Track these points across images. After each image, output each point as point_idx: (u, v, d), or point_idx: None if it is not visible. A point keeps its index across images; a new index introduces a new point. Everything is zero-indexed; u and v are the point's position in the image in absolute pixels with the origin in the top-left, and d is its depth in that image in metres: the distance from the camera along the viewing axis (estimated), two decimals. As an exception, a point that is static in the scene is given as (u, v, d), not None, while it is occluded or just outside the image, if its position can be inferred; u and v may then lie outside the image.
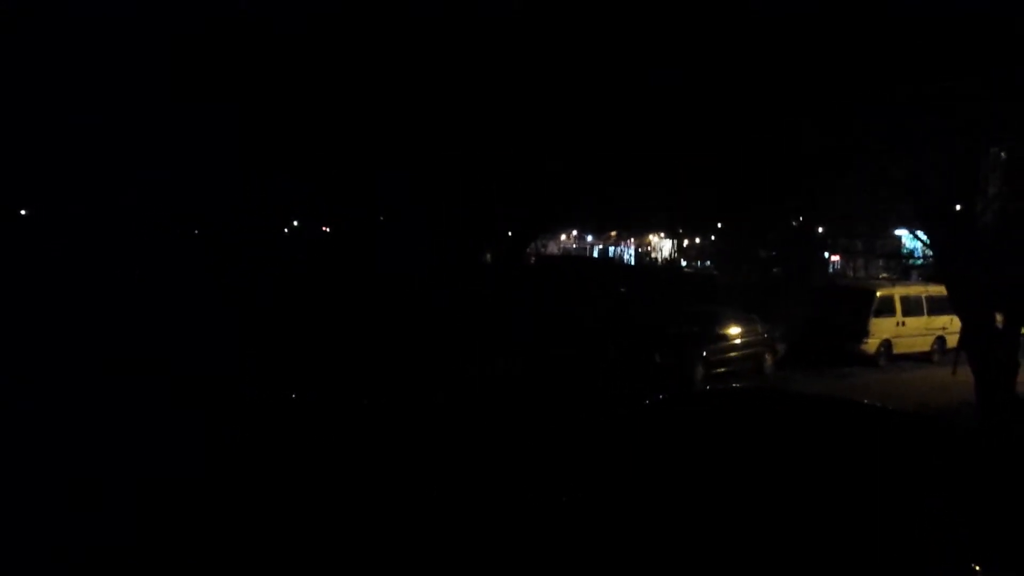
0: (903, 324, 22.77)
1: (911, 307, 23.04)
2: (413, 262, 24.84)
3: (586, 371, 16.38)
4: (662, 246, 71.30)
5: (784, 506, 5.84)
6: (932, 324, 23.19)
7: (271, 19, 17.22)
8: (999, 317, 13.70)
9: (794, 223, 37.70)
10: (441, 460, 9.03)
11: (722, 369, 18.95)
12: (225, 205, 29.99)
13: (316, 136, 20.18)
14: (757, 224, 34.44)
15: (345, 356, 14.55)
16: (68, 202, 30.73)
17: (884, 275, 36.41)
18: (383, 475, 8.69)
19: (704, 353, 18.74)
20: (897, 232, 36.30)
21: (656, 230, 64.97)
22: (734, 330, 19.87)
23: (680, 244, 64.40)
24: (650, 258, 70.75)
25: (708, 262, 56.75)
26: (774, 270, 40.32)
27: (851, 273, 46.40)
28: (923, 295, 23.29)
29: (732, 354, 19.49)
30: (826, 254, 45.45)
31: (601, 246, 76.83)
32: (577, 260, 55.65)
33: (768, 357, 20.44)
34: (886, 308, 22.53)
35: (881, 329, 22.32)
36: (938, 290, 20.00)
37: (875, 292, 22.97)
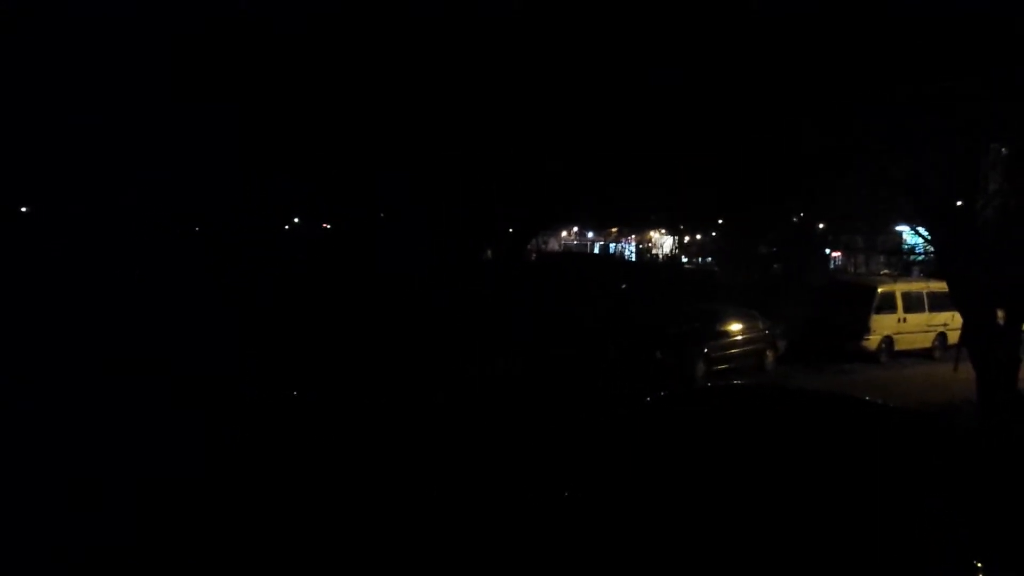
0: (904, 320, 22.75)
1: (912, 303, 23.01)
2: (413, 262, 24.83)
3: (587, 370, 16.36)
4: (663, 243, 71.29)
5: (785, 503, 5.84)
6: (933, 320, 23.16)
7: (271, 19, 17.20)
8: (1000, 314, 13.69)
9: (795, 219, 37.68)
10: (441, 459, 9.04)
11: (723, 366, 18.93)
12: (225, 205, 30.01)
13: (316, 136, 20.18)
14: (758, 221, 34.39)
15: (345, 356, 14.55)
16: (68, 202, 30.76)
17: (885, 271, 36.29)
18: (383, 474, 8.70)
19: (705, 350, 18.74)
20: (898, 228, 36.22)
21: (657, 227, 64.96)
22: (735, 327, 19.86)
23: (681, 241, 64.40)
24: (651, 255, 70.73)
25: (709, 259, 56.72)
26: (775, 267, 40.28)
27: (852, 269, 46.38)
28: (924, 291, 23.25)
29: (733, 351, 19.48)
30: (827, 250, 45.42)
31: (602, 243, 76.78)
32: (578, 257, 55.63)
33: (769, 354, 20.43)
34: (887, 304, 22.51)
35: (882, 325, 22.30)
36: (939, 286, 19.96)
37: (876, 288, 22.94)
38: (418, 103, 17.50)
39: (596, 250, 73.76)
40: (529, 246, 37.03)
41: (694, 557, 5.71)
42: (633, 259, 68.19)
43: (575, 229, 74.61)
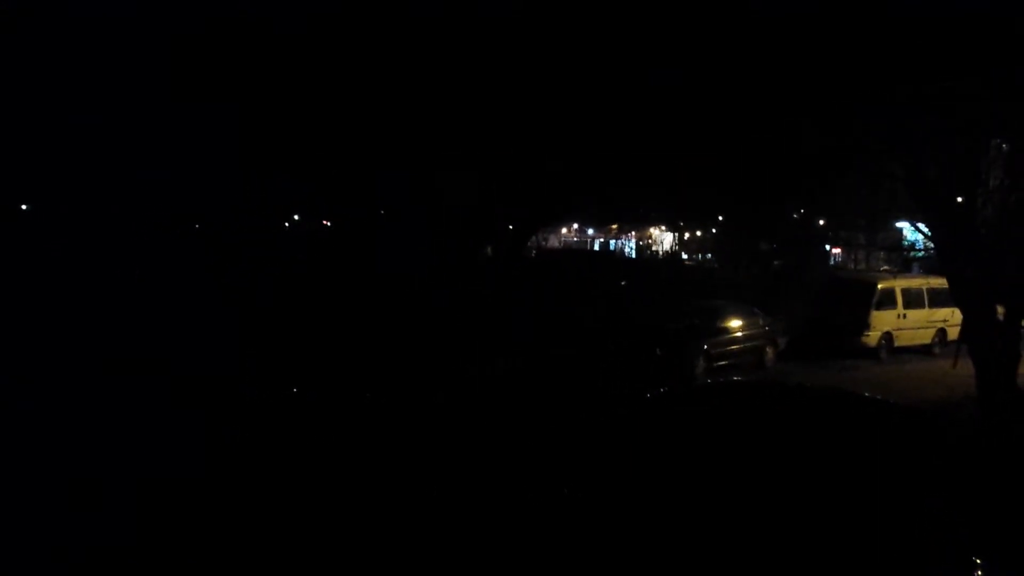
0: (904, 317, 22.73)
1: (912, 299, 22.98)
2: (413, 262, 24.81)
3: (587, 369, 16.34)
4: (663, 239, 71.34)
5: (785, 500, 5.85)
6: (933, 317, 23.14)
7: (271, 19, 17.18)
8: (1000, 310, 13.69)
9: (795, 216, 37.73)
10: (442, 459, 9.04)
11: (723, 362, 18.91)
12: (225, 204, 30.00)
13: (316, 136, 20.16)
14: (758, 218, 34.43)
15: (345, 356, 14.53)
16: (68, 202, 30.75)
17: (885, 267, 36.39)
18: (384, 474, 8.70)
19: (705, 347, 18.73)
20: (898, 225, 36.28)
21: (657, 224, 65.00)
22: (735, 324, 19.86)
23: (681, 237, 64.46)
24: (651, 251, 70.76)
25: (709, 255, 56.77)
26: (775, 263, 40.32)
27: (852, 266, 46.40)
28: (924, 287, 23.24)
29: (733, 348, 19.47)
30: (827, 247, 45.46)
31: (602, 239, 76.80)
32: (578, 254, 55.60)
33: (769, 351, 20.43)
34: (887, 300, 22.48)
35: (882, 322, 22.27)
36: (939, 282, 19.96)
37: (876, 284, 22.91)
38: (418, 103, 17.48)
39: (596, 247, 73.78)
40: (529, 243, 37.03)
41: (695, 555, 5.72)
42: (633, 256, 68.18)
43: (575, 226, 74.61)
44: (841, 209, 28.51)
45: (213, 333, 16.48)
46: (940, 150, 12.48)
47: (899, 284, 23.37)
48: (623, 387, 13.17)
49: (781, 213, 34.86)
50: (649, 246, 73.01)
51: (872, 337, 22.04)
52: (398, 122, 18.33)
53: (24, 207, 36.40)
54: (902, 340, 22.72)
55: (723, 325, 19.58)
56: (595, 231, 75.96)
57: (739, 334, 19.78)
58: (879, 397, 8.29)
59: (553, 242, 67.67)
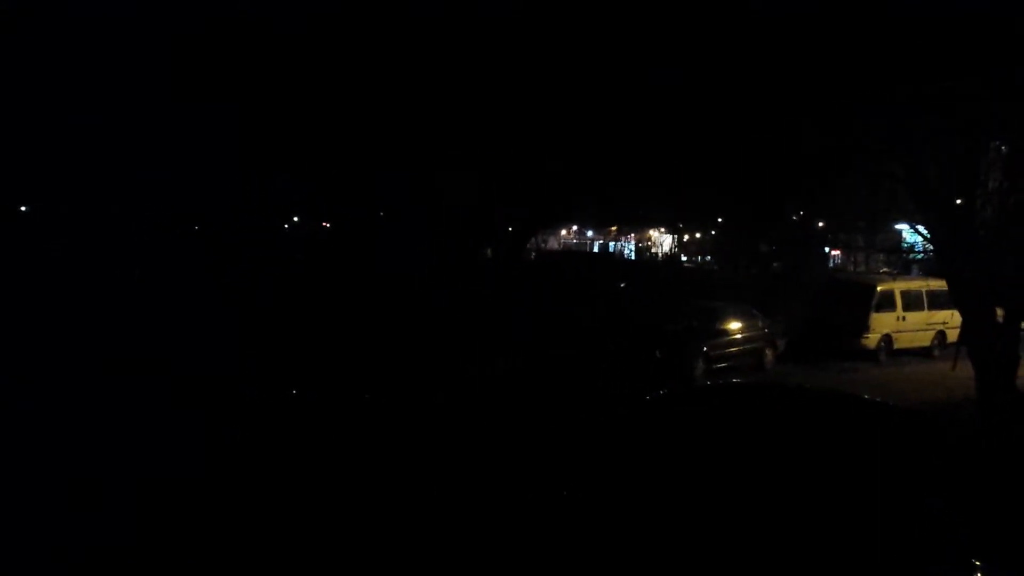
0: (903, 319, 22.73)
1: (911, 302, 22.98)
2: (413, 262, 24.80)
3: (586, 370, 16.34)
4: (662, 241, 71.33)
5: (785, 501, 5.85)
6: (933, 319, 23.14)
7: (271, 19, 17.19)
8: (999, 312, 13.70)
9: (794, 218, 37.71)
10: (441, 459, 9.04)
11: (723, 364, 18.91)
12: (225, 205, 30.00)
13: (316, 136, 20.17)
14: (757, 220, 34.41)
15: (345, 356, 14.54)
16: (68, 202, 30.76)
17: (884, 269, 36.35)
18: (384, 474, 8.70)
19: (705, 349, 18.72)
20: (897, 227, 36.24)
21: (656, 225, 65.01)
22: (734, 325, 19.85)
23: (680, 239, 64.46)
24: (650, 253, 70.76)
25: (708, 257, 56.79)
26: (774, 265, 40.31)
27: (851, 267, 46.40)
28: (923, 290, 23.22)
29: (733, 349, 19.46)
30: (826, 249, 45.46)
31: (601, 241, 76.82)
32: (577, 256, 55.63)
33: (769, 352, 20.41)
34: (886, 303, 22.49)
35: (881, 324, 22.27)
36: (939, 284, 19.95)
37: (875, 287, 22.91)
38: (418, 103, 17.48)
39: (595, 249, 73.82)
40: (529, 245, 37.02)
41: (694, 556, 5.72)
42: (632, 257, 68.19)
43: (574, 228, 74.64)
44: (841, 209, 28.47)
45: (213, 333, 16.50)
46: (940, 150, 12.48)
47: (898, 286, 23.36)
48: (622, 388, 13.17)
49: (780, 214, 34.82)
50: (648, 248, 73.02)
51: (871, 339, 22.03)
52: (398, 122, 18.33)
53: (23, 208, 36.36)
54: (901, 342, 22.72)
55: (722, 327, 19.57)
56: (594, 233, 75.98)
57: (738, 336, 19.77)
58: (878, 399, 8.30)
59: (552, 244, 67.69)
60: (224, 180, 26.17)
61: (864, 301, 22.26)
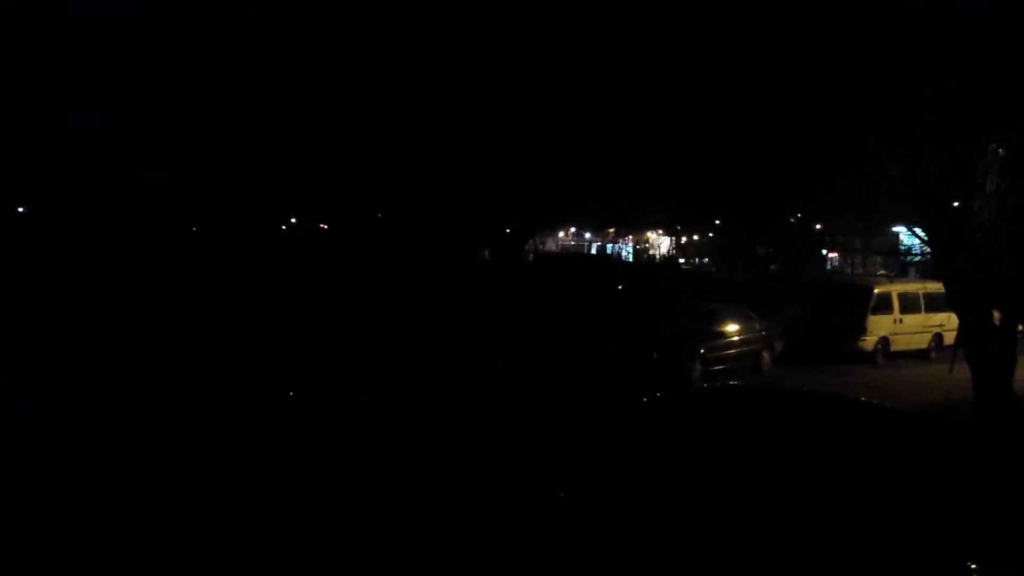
0: (901, 321, 22.79)
1: (908, 304, 23.05)
2: (413, 262, 24.79)
3: (584, 371, 16.36)
4: (660, 243, 71.30)
5: (781, 504, 5.88)
6: (930, 321, 23.20)
7: (271, 19, 17.20)
8: (996, 314, 13.74)
9: (792, 220, 37.70)
10: (441, 459, 9.06)
11: (720, 367, 18.95)
12: (225, 205, 29.98)
13: (316, 136, 20.17)
14: (755, 222, 34.43)
15: (345, 356, 14.54)
16: (68, 202, 30.72)
17: (882, 272, 36.34)
18: (383, 474, 8.71)
19: (702, 351, 18.75)
20: (895, 229, 36.24)
21: (654, 227, 64.99)
22: (732, 328, 19.88)
23: (678, 241, 64.44)
24: (648, 255, 70.72)
25: (706, 259, 56.77)
26: (772, 267, 40.31)
27: (849, 270, 46.42)
28: (920, 292, 23.28)
29: (730, 352, 19.49)
30: (824, 251, 45.43)
31: (599, 243, 76.78)
32: (575, 257, 55.62)
33: (766, 355, 20.45)
34: (883, 305, 22.54)
35: (878, 326, 22.34)
36: (936, 287, 19.97)
37: (873, 289, 22.97)
38: (418, 103, 17.49)
39: (593, 251, 73.80)
40: (527, 246, 37.00)
41: (692, 558, 5.74)
42: (630, 259, 68.17)
43: (572, 230, 74.60)
44: (841, 210, 28.41)
45: (213, 333, 16.49)
46: (940, 150, 12.51)
47: (895, 289, 23.43)
48: (619, 390, 13.18)
49: (780, 215, 34.84)
50: (646, 250, 72.98)
51: (868, 342, 22.10)
52: (398, 122, 18.33)
53: (20, 209, 36.29)
54: (898, 345, 22.78)
55: (719, 329, 19.61)
56: (592, 235, 75.91)
57: (735, 338, 19.80)
58: (875, 401, 8.32)
59: (550, 246, 67.65)
60: (224, 180, 26.15)
61: (861, 303, 22.33)
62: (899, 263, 34.09)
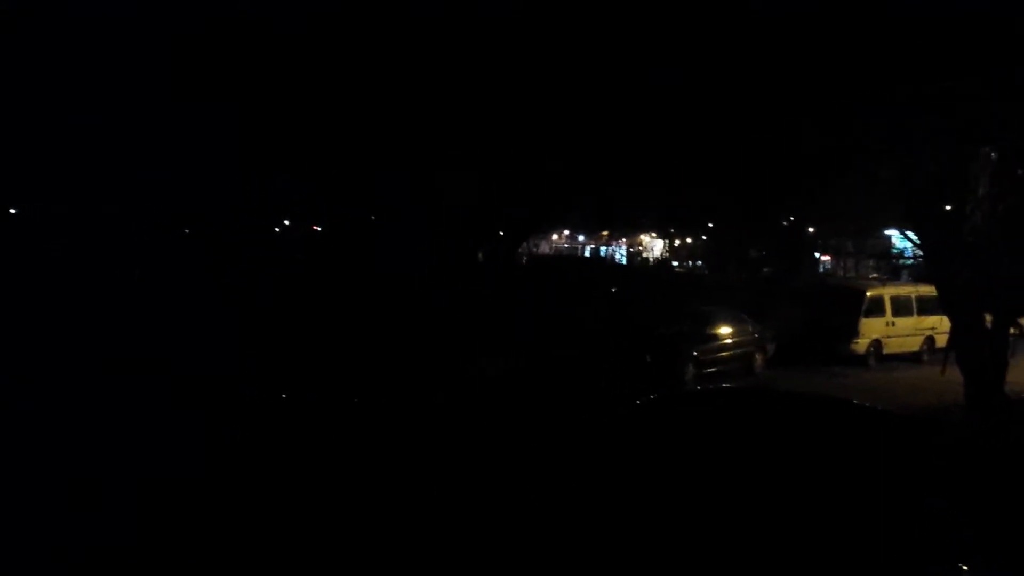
0: (893, 324, 22.89)
1: (901, 307, 23.15)
2: (413, 262, 24.77)
3: (584, 371, 16.39)
4: (653, 246, 71.37)
5: (771, 505, 5.93)
6: (921, 324, 23.31)
7: (271, 19, 17.19)
8: (988, 317, 13.82)
9: (784, 224, 37.83)
10: (440, 459, 9.09)
11: (713, 369, 18.99)
12: (224, 205, 29.94)
13: (315, 136, 20.17)
14: (754, 221, 34.51)
15: (345, 356, 14.54)
16: (68, 202, 30.62)
17: (874, 275, 36.52)
18: (383, 474, 8.74)
19: (695, 353, 18.80)
20: (887, 232, 36.42)
21: (647, 230, 65.05)
22: (725, 330, 19.94)
23: (671, 244, 64.53)
24: (641, 258, 70.81)
25: (699, 262, 56.89)
26: (764, 270, 40.44)
27: (841, 273, 46.59)
28: (913, 295, 23.40)
29: (723, 354, 19.53)
30: (816, 254, 45.60)
31: (593, 246, 76.84)
32: (569, 260, 55.74)
33: (758, 357, 20.50)
34: (876, 308, 22.64)
35: (871, 329, 22.43)
36: (928, 290, 20.10)
37: (865, 292, 23.06)
38: (418, 103, 17.50)
39: (587, 253, 73.88)
40: (520, 249, 37.04)
41: (685, 561, 5.80)
42: (624, 262, 68.28)
43: (566, 232, 74.65)
44: (841, 211, 28.48)
45: (212, 333, 16.46)
46: (940, 151, 12.55)
47: (888, 292, 23.55)
48: (612, 392, 13.22)
49: (777, 216, 34.95)
50: (640, 252, 73.07)
51: (861, 344, 22.18)
52: (398, 122, 18.34)
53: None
54: (891, 347, 22.87)
55: (712, 331, 19.66)
56: (586, 237, 75.98)
57: (728, 340, 19.85)
58: (866, 404, 8.38)
59: (544, 248, 67.68)
60: (224, 180, 26.13)
61: (854, 306, 22.40)
62: (891, 266, 34.29)
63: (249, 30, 17.40)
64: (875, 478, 6.17)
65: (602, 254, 73.67)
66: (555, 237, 75.60)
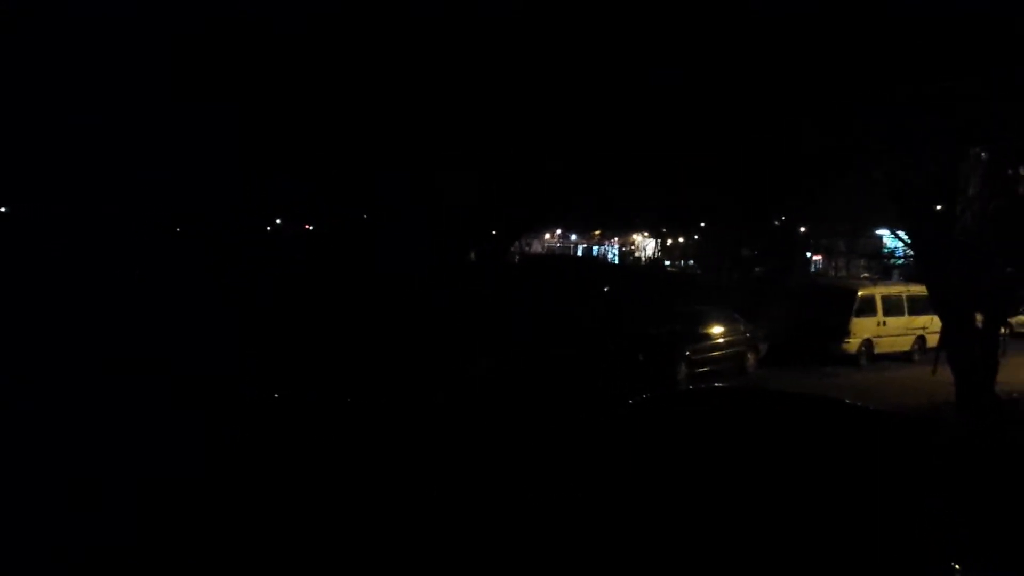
0: (884, 324, 23.00)
1: (892, 307, 23.27)
2: (412, 262, 24.74)
3: (578, 371, 16.42)
4: (645, 245, 71.34)
5: (764, 505, 6.00)
6: (913, 324, 23.41)
7: (271, 19, 17.18)
8: (979, 317, 13.91)
9: (776, 223, 37.89)
10: (439, 459, 9.12)
11: (705, 368, 19.06)
12: (224, 205, 29.84)
13: (315, 136, 20.14)
14: (750, 221, 34.54)
15: (345, 356, 14.54)
16: (68, 202, 30.50)
17: (865, 275, 36.61)
18: (382, 474, 8.77)
19: (687, 352, 18.87)
20: (879, 232, 36.49)
21: (640, 229, 65.04)
22: (717, 330, 20.02)
23: (664, 244, 64.53)
24: (634, 257, 70.80)
25: (691, 262, 56.92)
26: (756, 270, 40.49)
27: (833, 273, 46.68)
28: (904, 295, 23.50)
29: (715, 353, 19.61)
30: (808, 254, 45.66)
31: (585, 245, 76.78)
32: (562, 259, 55.72)
33: (750, 356, 20.60)
34: (867, 308, 22.74)
35: (862, 329, 22.53)
36: (919, 290, 20.18)
37: (856, 292, 23.18)
38: (417, 103, 17.49)
39: (579, 252, 73.82)
40: (513, 248, 36.97)
41: (679, 561, 5.87)
42: (616, 262, 68.26)
43: (558, 231, 74.58)
44: (837, 210, 28.54)
45: (212, 333, 16.45)
46: (940, 151, 12.60)
47: (879, 291, 23.66)
48: (604, 393, 13.26)
49: (775, 215, 34.99)
50: (632, 252, 73.05)
51: (852, 344, 22.29)
52: (397, 122, 18.32)
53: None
54: (882, 347, 22.99)
55: (704, 331, 19.74)
56: (578, 237, 75.89)
57: (720, 340, 19.94)
58: (857, 403, 8.45)
59: (536, 247, 67.62)
60: (224, 180, 26.06)
61: (845, 306, 22.50)
62: (882, 266, 34.35)
63: (249, 30, 17.38)
64: (866, 477, 6.22)
65: (594, 253, 73.59)
66: (547, 236, 75.51)
